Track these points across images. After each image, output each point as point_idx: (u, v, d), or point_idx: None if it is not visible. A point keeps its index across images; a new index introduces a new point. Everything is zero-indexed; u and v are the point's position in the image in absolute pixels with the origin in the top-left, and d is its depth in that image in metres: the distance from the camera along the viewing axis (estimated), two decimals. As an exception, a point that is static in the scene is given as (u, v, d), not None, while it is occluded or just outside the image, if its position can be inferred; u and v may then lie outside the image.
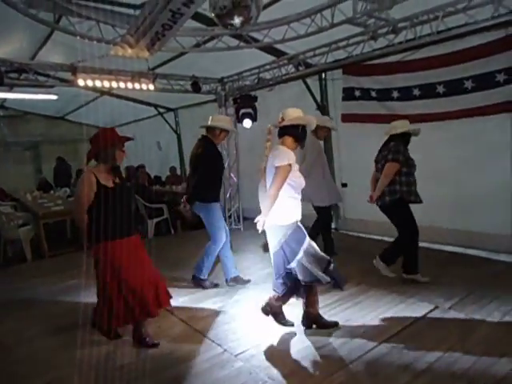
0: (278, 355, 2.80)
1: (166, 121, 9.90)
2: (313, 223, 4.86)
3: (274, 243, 2.92)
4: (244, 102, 6.34)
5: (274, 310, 3.14)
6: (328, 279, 2.84)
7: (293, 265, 2.84)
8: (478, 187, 4.55)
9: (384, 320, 3.21)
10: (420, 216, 5.08)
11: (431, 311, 3.29)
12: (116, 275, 2.77)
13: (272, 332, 3.11)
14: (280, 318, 3.18)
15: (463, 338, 2.83)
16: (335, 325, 3.12)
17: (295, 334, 3.07)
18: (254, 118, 6.30)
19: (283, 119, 2.95)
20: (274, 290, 3.08)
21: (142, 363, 2.75)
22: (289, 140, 2.94)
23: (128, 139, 2.98)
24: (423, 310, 3.30)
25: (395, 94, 5.24)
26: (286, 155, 2.82)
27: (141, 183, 7.51)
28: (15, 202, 8.08)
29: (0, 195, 8.44)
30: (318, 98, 6.30)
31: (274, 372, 2.58)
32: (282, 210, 2.86)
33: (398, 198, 3.81)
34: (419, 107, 4.96)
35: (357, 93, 5.68)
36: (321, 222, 4.90)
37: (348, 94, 5.78)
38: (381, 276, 4.08)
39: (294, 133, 2.94)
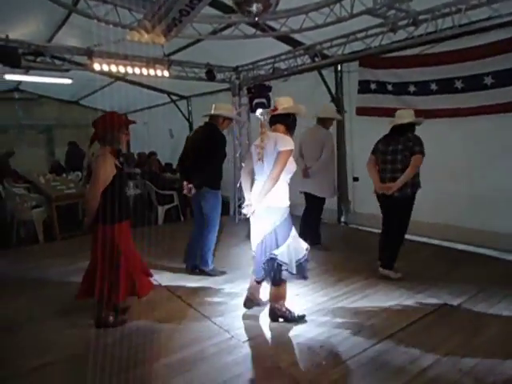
0: (284, 344, 2.83)
1: (179, 108, 9.91)
2: (313, 216, 4.94)
3: (267, 225, 2.95)
4: (258, 92, 6.32)
5: (279, 314, 3.13)
6: (294, 271, 2.94)
7: (281, 249, 2.91)
8: (491, 185, 4.49)
9: (391, 314, 3.20)
10: (432, 213, 5.07)
11: (440, 308, 3.28)
12: (130, 254, 2.96)
13: (279, 321, 3.13)
14: (289, 318, 3.12)
15: (471, 335, 2.82)
16: (302, 317, 3.15)
17: (303, 324, 3.08)
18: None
19: (276, 107, 3.04)
20: (257, 277, 3.12)
21: (150, 346, 2.80)
22: (281, 128, 3.02)
23: (131, 122, 3.08)
24: (432, 306, 3.29)
25: (412, 88, 5.16)
26: (289, 141, 2.92)
27: (152, 170, 7.55)
28: (29, 184, 8.19)
29: (13, 177, 8.55)
30: (333, 90, 6.24)
31: (280, 360, 2.61)
32: (280, 192, 2.96)
33: (416, 191, 3.82)
34: (436, 102, 4.88)
35: (373, 86, 5.61)
36: (319, 213, 5.00)
37: (364, 87, 5.71)
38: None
39: (286, 121, 3.03)
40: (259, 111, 6.18)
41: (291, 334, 2.96)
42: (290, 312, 3.13)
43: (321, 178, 4.77)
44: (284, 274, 2.95)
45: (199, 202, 4.10)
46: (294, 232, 3.02)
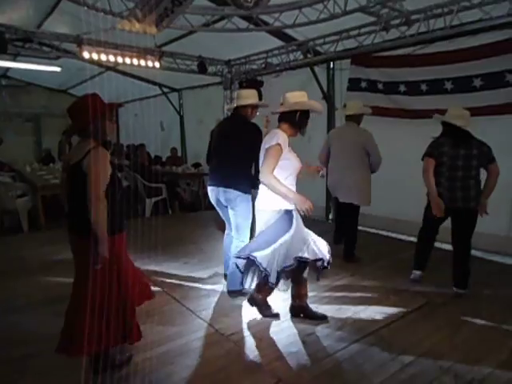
0: (267, 339, 2.83)
1: (170, 101, 9.82)
2: (349, 225, 4.42)
3: (258, 228, 2.87)
4: (250, 86, 6.28)
5: (257, 302, 3.11)
6: (273, 280, 2.74)
7: (263, 253, 2.73)
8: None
9: (374, 311, 3.23)
10: (419, 212, 5.11)
11: (422, 306, 3.32)
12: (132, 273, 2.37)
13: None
14: (263, 310, 3.11)
15: (453, 333, 2.86)
16: (324, 317, 3.08)
17: (286, 320, 3.09)
18: (258, 103, 6.25)
19: (282, 105, 2.87)
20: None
21: (133, 338, 2.77)
22: (285, 126, 2.86)
23: (118, 106, 2.53)
24: (414, 304, 3.33)
25: (402, 88, 5.19)
26: (275, 136, 2.74)
27: (140, 162, 7.48)
28: (14, 172, 8.06)
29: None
30: (325, 88, 6.25)
31: (263, 354, 2.61)
32: (269, 194, 2.77)
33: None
34: (426, 103, 4.92)
35: (363, 84, 5.63)
36: (357, 223, 4.45)
37: (353, 85, 5.73)
38: (375, 269, 4.13)
39: (289, 119, 2.84)
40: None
41: (274, 329, 2.96)
42: (311, 310, 3.09)
43: (368, 185, 4.25)
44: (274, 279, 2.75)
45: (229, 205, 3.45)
46: (285, 238, 2.74)
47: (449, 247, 4.84)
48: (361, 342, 2.74)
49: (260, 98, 6.33)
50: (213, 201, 3.56)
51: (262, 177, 2.71)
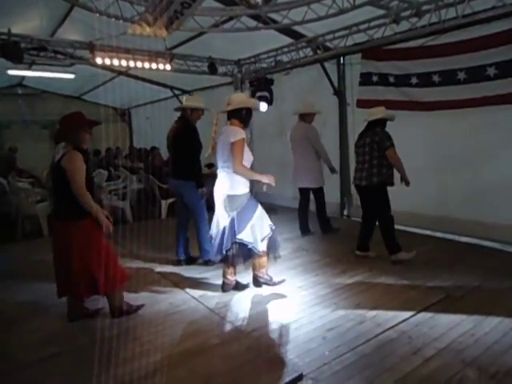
0: (287, 335, 2.84)
1: (181, 103, 9.87)
2: (315, 207, 5.31)
3: (228, 213, 3.29)
4: (260, 85, 6.32)
5: (264, 280, 3.59)
6: (260, 248, 3.30)
7: (244, 232, 3.23)
8: (494, 177, 4.47)
9: (394, 306, 3.21)
10: (435, 206, 5.07)
11: (442, 299, 3.28)
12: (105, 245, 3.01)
13: (282, 312, 3.16)
14: (273, 282, 3.62)
15: (474, 326, 2.82)
16: (282, 281, 3.66)
17: (305, 316, 3.10)
18: (269, 102, 6.26)
19: (229, 105, 3.38)
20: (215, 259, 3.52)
21: (154, 337, 2.82)
22: (235, 121, 3.37)
23: (95, 123, 3.18)
24: (434, 298, 3.29)
25: (414, 80, 5.13)
26: (239, 132, 3.25)
27: (155, 164, 7.56)
28: (33, 178, 8.24)
29: (18, 172, 8.61)
30: (336, 83, 6.21)
31: (283, 351, 2.62)
32: (238, 181, 3.26)
33: (384, 180, 4.08)
34: (438, 94, 4.85)
35: (374, 78, 5.58)
36: (323, 203, 5.29)
37: (365, 79, 5.68)
38: (392, 262, 4.09)
39: (238, 115, 3.37)
40: (263, 105, 6.21)
41: (294, 325, 2.97)
42: (270, 278, 3.60)
43: (318, 171, 5.17)
44: (262, 247, 3.33)
45: (180, 193, 4.34)
46: (258, 212, 3.33)
47: (466, 239, 4.83)
48: (381, 337, 2.73)
49: (271, 97, 6.40)
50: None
51: (236, 168, 3.20)
